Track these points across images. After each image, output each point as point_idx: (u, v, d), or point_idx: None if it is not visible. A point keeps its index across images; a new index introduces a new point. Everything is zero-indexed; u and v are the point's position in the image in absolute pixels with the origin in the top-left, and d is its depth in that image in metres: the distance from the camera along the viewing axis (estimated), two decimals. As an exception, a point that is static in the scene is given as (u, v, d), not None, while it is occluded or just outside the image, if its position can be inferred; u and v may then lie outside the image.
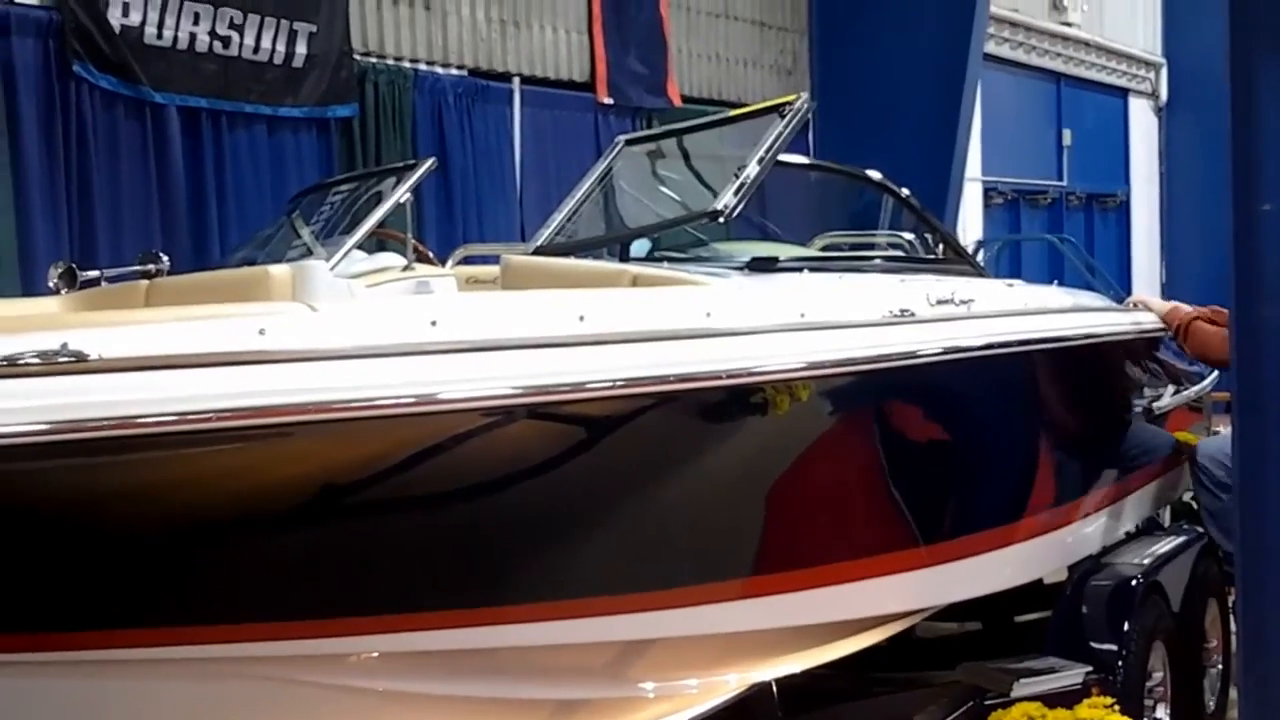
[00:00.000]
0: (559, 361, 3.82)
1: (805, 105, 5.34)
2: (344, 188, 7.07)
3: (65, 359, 3.12)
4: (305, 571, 3.61)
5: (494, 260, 6.23)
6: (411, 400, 3.52)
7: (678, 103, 12.51)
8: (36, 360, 3.09)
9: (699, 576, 4.44)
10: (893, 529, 5.19)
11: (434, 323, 3.69)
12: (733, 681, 4.96)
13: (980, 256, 14.97)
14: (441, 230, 9.73)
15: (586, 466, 3.99)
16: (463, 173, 10.30)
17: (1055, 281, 9.70)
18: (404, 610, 3.82)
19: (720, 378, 4.23)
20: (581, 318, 3.98)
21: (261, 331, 3.42)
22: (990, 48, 15.60)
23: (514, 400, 3.71)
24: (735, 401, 4.36)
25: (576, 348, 3.89)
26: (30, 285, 7.24)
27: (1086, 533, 6.58)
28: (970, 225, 15.71)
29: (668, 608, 4.37)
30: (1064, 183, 18.70)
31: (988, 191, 16.87)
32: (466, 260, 7.18)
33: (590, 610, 4.18)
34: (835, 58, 14.51)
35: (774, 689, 5.19)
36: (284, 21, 9.09)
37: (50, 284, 5.70)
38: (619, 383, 3.92)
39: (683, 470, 4.25)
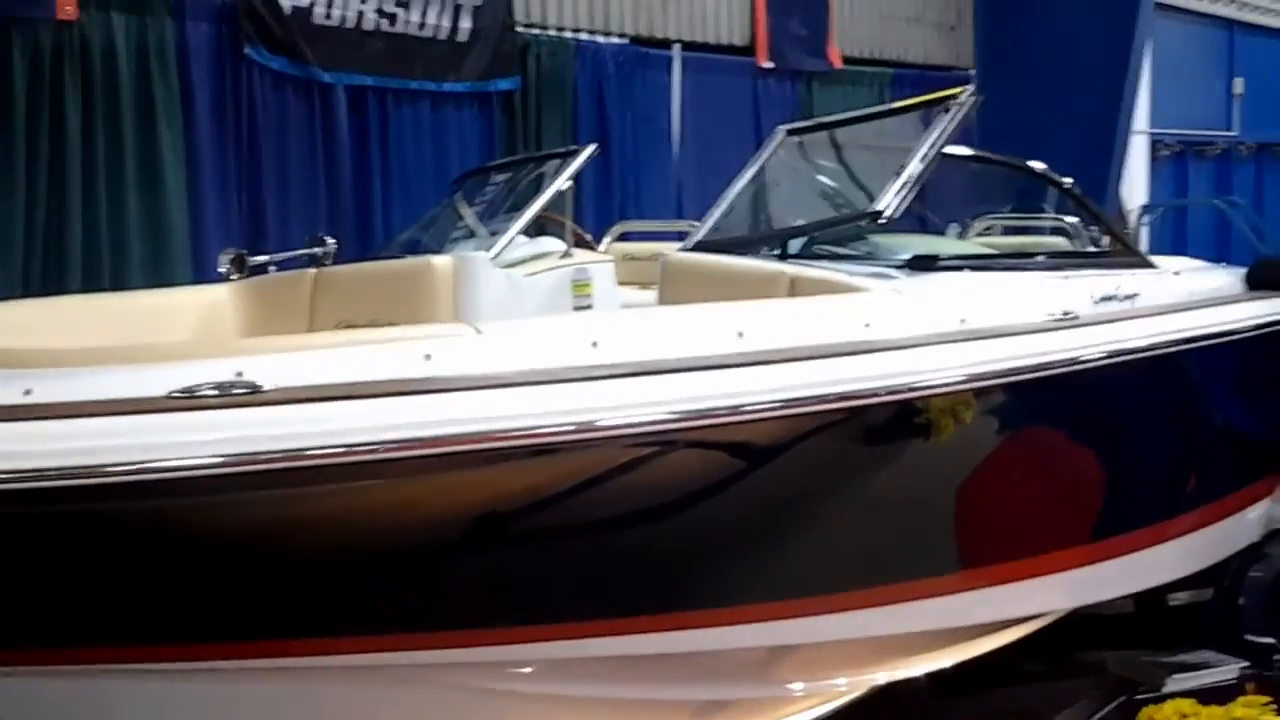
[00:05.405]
0: (718, 384, 3.88)
1: (971, 100, 5.31)
2: (506, 170, 7.18)
3: (240, 390, 3.26)
4: (471, 588, 3.74)
5: (651, 237, 6.29)
6: (573, 428, 3.61)
7: (838, 64, 12.42)
8: (213, 392, 3.24)
9: (858, 583, 4.49)
10: (1053, 530, 5.17)
11: (595, 344, 3.77)
12: (881, 678, 5.01)
13: (1145, 219, 14.68)
14: (600, 202, 9.81)
15: (745, 487, 4.05)
16: (621, 143, 10.35)
17: (1225, 261, 9.37)
18: (561, 621, 3.94)
19: (879, 395, 4.25)
20: (740, 334, 4.03)
21: (427, 357, 3.53)
22: (1161, -4, 15.13)
23: (675, 426, 3.79)
24: (896, 417, 4.37)
25: (735, 369, 3.95)
26: (201, 268, 7.49)
27: (1247, 521, 6.44)
28: (1136, 179, 15.34)
29: (824, 613, 4.44)
30: (1234, 133, 18.16)
31: (1155, 144, 16.46)
32: (623, 237, 7.26)
33: (745, 618, 4.26)
34: (1000, 10, 14.20)
35: (924, 678, 5.22)
36: (449, -3, 9.23)
37: (220, 269, 5.91)
38: (777, 404, 3.97)
39: (844, 486, 4.31)
